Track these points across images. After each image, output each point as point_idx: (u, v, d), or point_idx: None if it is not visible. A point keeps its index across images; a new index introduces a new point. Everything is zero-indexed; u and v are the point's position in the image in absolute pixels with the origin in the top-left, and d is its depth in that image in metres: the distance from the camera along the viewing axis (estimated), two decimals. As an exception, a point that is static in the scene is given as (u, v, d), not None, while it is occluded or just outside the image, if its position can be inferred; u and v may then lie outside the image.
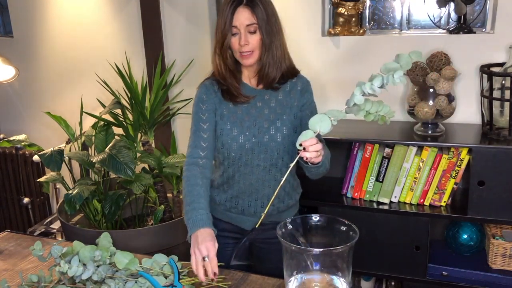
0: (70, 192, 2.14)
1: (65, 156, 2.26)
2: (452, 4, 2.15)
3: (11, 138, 2.58)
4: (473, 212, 1.90)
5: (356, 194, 2.11)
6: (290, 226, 1.16)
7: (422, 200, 2.02)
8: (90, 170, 2.40)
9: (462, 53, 2.13)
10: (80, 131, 2.47)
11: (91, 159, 2.18)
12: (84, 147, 2.43)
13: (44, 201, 3.20)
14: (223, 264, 1.40)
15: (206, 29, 2.57)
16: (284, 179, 1.31)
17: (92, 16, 2.83)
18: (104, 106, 2.50)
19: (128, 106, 2.47)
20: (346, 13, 2.27)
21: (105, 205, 2.24)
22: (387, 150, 2.03)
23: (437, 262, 2.08)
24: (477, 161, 1.85)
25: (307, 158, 1.29)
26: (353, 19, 2.28)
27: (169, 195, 2.50)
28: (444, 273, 2.04)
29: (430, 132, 2.03)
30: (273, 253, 1.60)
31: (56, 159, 2.22)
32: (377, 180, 2.07)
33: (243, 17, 1.45)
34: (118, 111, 2.41)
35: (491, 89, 1.93)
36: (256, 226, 1.46)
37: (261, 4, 1.46)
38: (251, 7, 1.45)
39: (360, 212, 2.06)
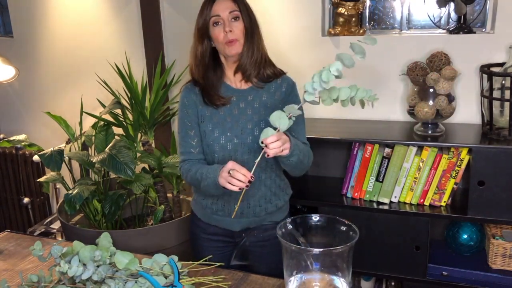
0: (70, 192, 2.14)
1: (65, 156, 2.26)
2: (452, 4, 2.15)
3: (11, 138, 2.58)
4: (473, 212, 1.90)
5: (356, 194, 2.11)
6: (290, 226, 1.16)
7: (422, 200, 2.02)
8: (90, 170, 2.40)
9: (462, 53, 2.13)
10: (80, 131, 2.47)
11: (91, 159, 2.18)
12: (84, 147, 2.43)
13: (44, 201, 3.20)
14: (223, 264, 1.41)
15: (206, 29, 2.56)
16: (253, 169, 1.35)
17: (92, 16, 2.83)
18: (104, 106, 2.50)
19: (128, 106, 2.47)
20: (346, 13, 2.27)
21: (105, 205, 2.24)
22: (387, 150, 2.03)
23: (437, 262, 2.08)
24: (477, 161, 1.85)
25: (268, 155, 1.33)
26: (353, 19, 2.28)
27: (169, 195, 2.50)
28: (444, 273, 2.04)
29: (430, 132, 2.03)
30: (272, 253, 1.60)
31: (56, 159, 2.21)
32: (377, 180, 2.07)
33: (225, 5, 1.48)
34: (118, 111, 2.41)
35: (491, 89, 1.93)
36: (232, 217, 1.50)
37: None
38: None
39: (360, 212, 2.06)
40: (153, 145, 2.52)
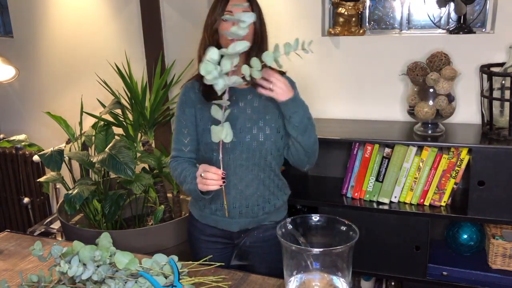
0: (70, 192, 2.14)
1: (65, 156, 2.26)
2: (452, 4, 2.15)
3: (11, 138, 2.58)
4: (473, 212, 1.90)
5: (356, 194, 2.11)
6: (290, 226, 1.16)
7: (422, 200, 2.02)
8: (90, 170, 2.40)
9: (462, 53, 2.13)
10: (80, 131, 2.47)
11: (91, 159, 2.18)
12: (84, 147, 2.43)
13: (44, 201, 3.20)
14: (223, 264, 1.41)
15: (206, 29, 2.56)
16: (221, 166, 1.38)
17: (92, 16, 2.83)
18: (104, 106, 2.50)
19: (128, 106, 2.47)
20: (346, 13, 2.27)
21: (105, 205, 2.24)
22: (387, 150, 2.03)
23: (437, 262, 2.08)
24: (477, 161, 1.85)
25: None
26: (353, 19, 2.28)
27: (169, 195, 2.50)
28: (444, 273, 2.04)
29: (430, 132, 2.03)
30: (272, 253, 1.60)
31: (56, 159, 2.22)
32: (377, 180, 2.07)
33: (239, 1, 1.49)
34: (118, 111, 2.41)
35: (491, 89, 1.93)
36: (226, 216, 1.52)
37: (255, 0, 1.54)
38: None
39: (360, 212, 2.06)
40: (153, 145, 2.52)
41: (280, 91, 1.42)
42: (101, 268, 1.18)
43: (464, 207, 1.94)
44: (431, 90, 1.98)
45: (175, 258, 1.23)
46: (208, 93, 1.54)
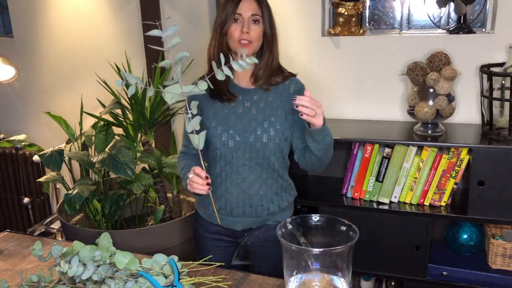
0: (70, 192, 2.14)
1: (65, 156, 2.26)
2: (452, 4, 2.15)
3: (11, 138, 2.58)
4: (473, 212, 1.90)
5: (356, 194, 2.11)
6: (290, 226, 1.16)
7: (422, 200, 2.02)
8: (90, 170, 2.40)
9: (462, 53, 2.13)
10: (80, 131, 2.47)
11: (91, 159, 2.18)
12: (84, 147, 2.43)
13: (44, 201, 3.20)
14: (223, 264, 1.41)
15: (206, 29, 2.57)
16: (204, 170, 1.40)
17: (92, 16, 2.83)
18: (104, 106, 2.50)
19: (128, 106, 2.47)
20: (346, 13, 2.27)
21: (105, 205, 2.24)
22: (387, 150, 2.03)
23: (437, 262, 2.08)
24: (477, 161, 1.85)
25: (302, 115, 1.35)
26: (353, 19, 2.28)
27: (169, 195, 2.50)
28: (444, 273, 2.04)
29: (430, 132, 2.03)
30: (273, 253, 1.60)
31: (56, 159, 2.22)
32: (377, 180, 2.07)
33: (249, 6, 1.49)
34: (118, 111, 2.41)
35: (491, 89, 1.93)
36: (219, 222, 1.53)
37: (266, 2, 1.53)
38: (257, 0, 1.50)
39: (360, 212, 2.06)
40: (153, 145, 2.52)
41: (321, 116, 1.40)
42: (101, 268, 1.18)
43: (464, 207, 1.94)
44: (431, 90, 1.98)
45: (175, 258, 1.23)
46: (217, 92, 1.55)
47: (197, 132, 1.33)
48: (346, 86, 2.36)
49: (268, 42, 1.53)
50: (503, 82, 1.91)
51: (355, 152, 2.10)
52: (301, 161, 1.61)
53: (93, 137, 2.39)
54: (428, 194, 2.01)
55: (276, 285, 1.31)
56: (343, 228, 1.13)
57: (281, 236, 1.09)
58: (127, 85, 1.27)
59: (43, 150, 2.35)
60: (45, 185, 2.80)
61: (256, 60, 1.28)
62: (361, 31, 2.30)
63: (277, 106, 1.56)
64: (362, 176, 2.08)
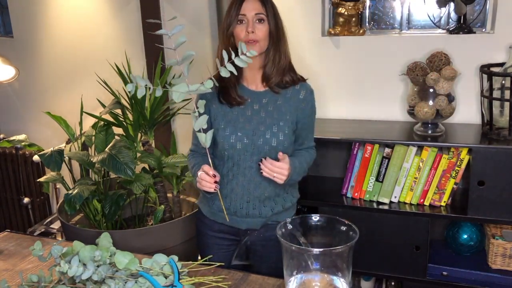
0: (70, 192, 2.14)
1: (65, 156, 2.26)
2: (452, 4, 2.15)
3: (11, 138, 2.58)
4: (473, 212, 1.90)
5: (356, 194, 2.11)
6: (290, 226, 1.16)
7: (422, 200, 2.02)
8: (90, 170, 2.40)
9: (462, 53, 2.13)
10: (80, 131, 2.47)
11: (91, 159, 2.18)
12: (84, 147, 2.43)
13: (44, 201, 3.20)
14: (223, 264, 1.41)
15: (206, 29, 2.57)
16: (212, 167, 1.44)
17: (92, 16, 2.83)
18: (104, 106, 2.50)
19: (128, 106, 2.46)
20: (346, 13, 2.27)
21: (105, 205, 2.24)
22: (387, 150, 2.03)
23: (437, 262, 2.08)
24: (477, 161, 1.85)
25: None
26: (353, 19, 2.28)
27: (169, 195, 2.50)
28: (444, 273, 2.04)
29: (430, 132, 2.03)
30: (273, 253, 1.60)
31: (56, 159, 2.22)
32: (377, 180, 2.07)
33: (252, 6, 1.49)
34: (118, 111, 2.41)
35: (491, 89, 1.93)
36: (228, 220, 1.54)
37: (270, 1, 1.53)
38: (261, 0, 1.50)
39: (360, 212, 2.06)
40: (153, 145, 2.52)
41: (283, 177, 1.49)
42: (101, 268, 1.18)
43: (464, 207, 1.94)
44: (431, 90, 1.98)
45: (175, 258, 1.23)
46: (226, 96, 1.55)
47: (205, 130, 1.34)
48: (346, 86, 2.36)
49: (274, 41, 1.53)
50: (503, 82, 1.91)
51: (355, 152, 2.10)
52: None
53: (93, 137, 2.39)
54: (428, 194, 2.01)
55: (276, 285, 1.31)
56: (343, 228, 1.13)
57: (281, 236, 1.09)
58: (136, 88, 1.28)
59: (43, 150, 2.35)
60: (45, 185, 2.80)
61: (255, 53, 1.29)
62: (361, 31, 2.30)
63: (286, 111, 1.56)
64: (362, 176, 2.08)
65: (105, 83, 2.51)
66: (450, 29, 2.20)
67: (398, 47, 2.23)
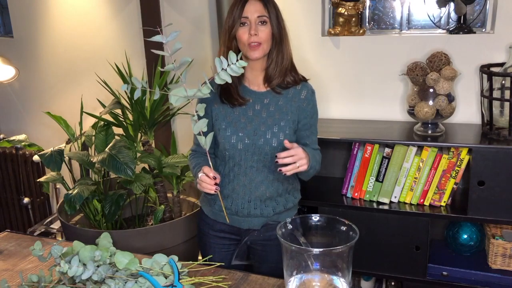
0: (70, 192, 2.15)
1: (65, 156, 2.26)
2: (452, 4, 2.15)
3: (11, 138, 2.58)
4: (473, 212, 1.90)
5: (356, 194, 2.11)
6: (290, 226, 1.16)
7: (422, 200, 2.02)
8: (90, 170, 2.40)
9: (462, 53, 2.13)
10: (80, 131, 2.47)
11: (91, 159, 2.18)
12: (84, 147, 2.43)
13: (44, 201, 3.20)
14: (223, 264, 1.41)
15: (206, 29, 2.57)
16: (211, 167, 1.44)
17: (92, 16, 2.83)
18: (104, 106, 2.50)
19: (128, 106, 2.47)
20: (346, 13, 2.27)
21: (105, 205, 2.24)
22: (387, 150, 2.03)
23: (437, 262, 2.08)
24: (477, 161, 1.85)
25: (285, 174, 1.43)
26: (353, 19, 2.28)
27: (169, 195, 2.50)
28: (444, 273, 2.04)
29: (430, 132, 2.03)
30: (273, 253, 1.60)
31: (56, 159, 2.22)
32: (377, 180, 2.07)
33: (254, 8, 1.49)
34: (118, 111, 2.41)
35: (491, 89, 1.93)
36: (228, 221, 1.54)
37: (272, 2, 1.52)
38: (263, 1, 1.50)
39: (360, 212, 2.06)
40: (153, 145, 2.52)
41: (304, 161, 1.43)
42: (101, 268, 1.18)
43: (464, 207, 1.94)
44: (431, 90, 1.98)
45: (175, 258, 1.23)
46: (228, 96, 1.56)
47: (204, 133, 1.34)
48: (346, 86, 2.36)
49: (277, 42, 1.53)
50: (503, 82, 1.91)
51: (355, 152, 2.10)
52: None
53: (93, 137, 2.39)
54: (428, 194, 2.01)
55: (276, 285, 1.31)
56: (343, 228, 1.13)
57: (281, 236, 1.09)
58: (132, 90, 1.29)
59: (43, 150, 2.35)
60: (45, 185, 2.79)
61: (245, 63, 1.29)
62: (361, 31, 2.30)
63: (287, 111, 1.56)
64: (362, 176, 2.08)
65: (105, 83, 2.51)
66: (450, 29, 2.20)
67: (398, 47, 2.23)
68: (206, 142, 1.36)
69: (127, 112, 2.44)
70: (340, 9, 2.28)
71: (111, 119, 2.42)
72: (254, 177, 1.55)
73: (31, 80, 3.16)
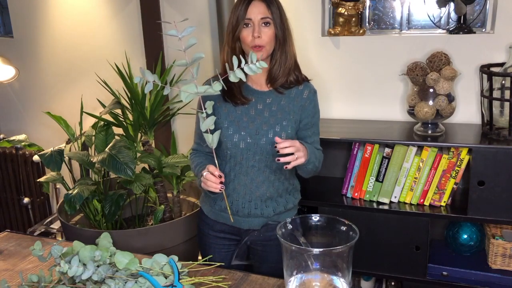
0: (70, 192, 2.15)
1: (65, 156, 2.26)
2: (452, 4, 2.15)
3: (11, 138, 2.58)
4: (473, 212, 1.90)
5: (356, 194, 2.11)
6: (290, 226, 1.16)
7: (422, 200, 2.02)
8: (90, 170, 2.40)
9: (462, 53, 2.13)
10: (80, 131, 2.47)
11: (91, 159, 2.18)
12: (84, 147, 2.43)
13: (44, 201, 3.20)
14: (223, 264, 1.41)
15: (207, 30, 2.57)
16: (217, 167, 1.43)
17: (92, 16, 2.83)
18: (104, 106, 2.50)
19: (128, 106, 2.47)
20: (346, 13, 2.27)
21: (105, 205, 2.25)
22: (387, 150, 2.03)
23: (437, 262, 2.08)
24: (477, 161, 1.85)
25: (286, 167, 1.42)
26: (353, 19, 2.28)
27: (169, 195, 2.50)
28: (444, 273, 2.04)
29: (430, 132, 2.03)
30: (273, 253, 1.60)
31: (56, 159, 2.22)
32: (377, 180, 2.07)
33: (258, 10, 1.48)
34: (118, 111, 2.41)
35: (491, 89, 1.93)
36: (232, 221, 1.54)
37: (276, 2, 1.52)
38: (266, 2, 1.49)
39: (360, 212, 2.06)
40: (153, 145, 2.52)
41: (301, 154, 1.42)
42: (101, 268, 1.18)
43: (464, 207, 1.94)
44: (431, 90, 1.98)
45: (175, 258, 1.23)
46: (231, 95, 1.56)
47: (211, 131, 1.34)
48: (346, 86, 2.36)
49: (280, 43, 1.53)
50: (503, 82, 1.91)
51: (355, 152, 2.10)
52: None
53: (93, 137, 2.39)
54: (428, 194, 2.01)
55: (276, 285, 1.31)
56: (343, 228, 1.13)
57: (281, 236, 1.09)
58: (142, 86, 1.30)
59: (43, 150, 2.35)
60: (45, 185, 2.79)
61: (265, 65, 1.29)
62: (361, 31, 2.30)
63: (289, 111, 1.56)
64: (362, 176, 2.08)
65: (105, 83, 2.51)
66: (450, 29, 2.20)
67: (398, 47, 2.23)
68: (213, 140, 1.36)
69: (127, 112, 2.44)
70: (340, 9, 2.28)
71: (111, 119, 2.42)
72: (255, 176, 1.55)
73: (31, 80, 3.16)
